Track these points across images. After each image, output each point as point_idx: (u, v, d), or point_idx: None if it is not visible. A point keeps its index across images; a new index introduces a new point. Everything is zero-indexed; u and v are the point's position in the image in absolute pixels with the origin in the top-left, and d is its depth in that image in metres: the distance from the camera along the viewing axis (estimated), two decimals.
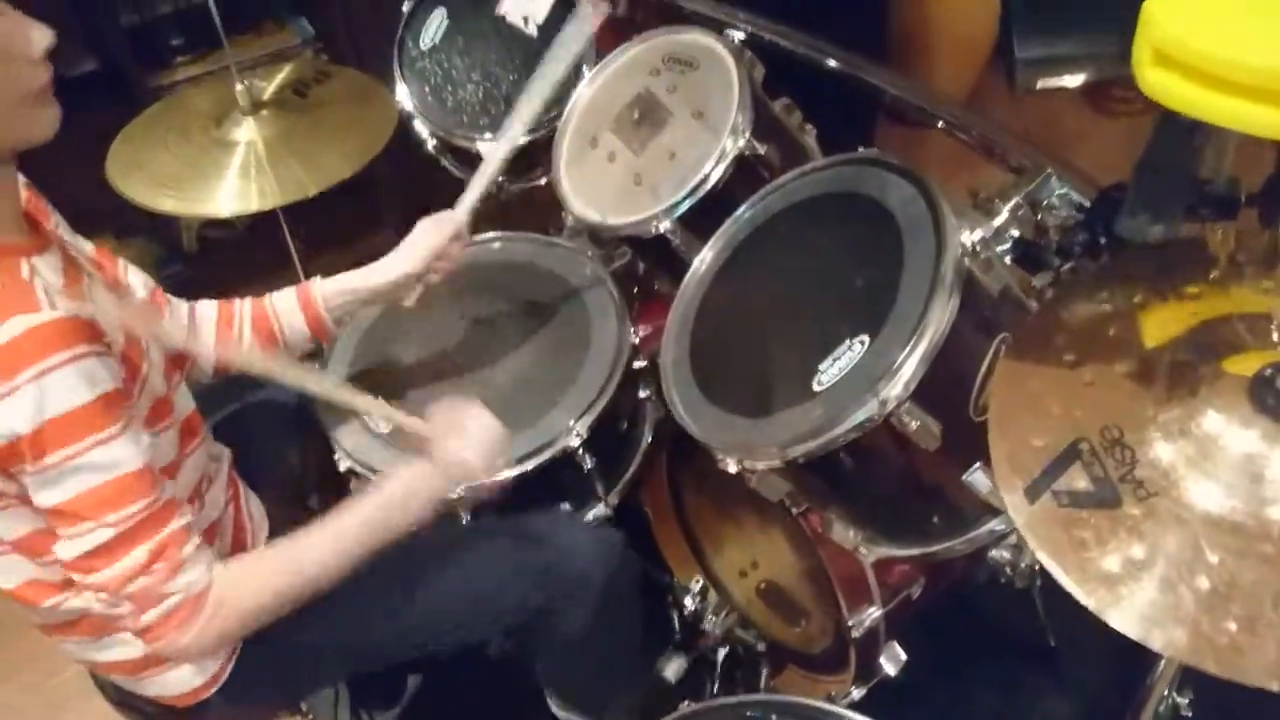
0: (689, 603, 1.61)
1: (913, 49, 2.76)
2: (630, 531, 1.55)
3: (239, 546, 1.21)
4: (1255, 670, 0.63)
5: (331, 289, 1.33)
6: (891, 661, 1.44)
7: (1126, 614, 0.68)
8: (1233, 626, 0.65)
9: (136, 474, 0.94)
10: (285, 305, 1.32)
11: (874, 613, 1.41)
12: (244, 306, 1.31)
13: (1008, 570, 1.35)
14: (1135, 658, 1.22)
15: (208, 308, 1.30)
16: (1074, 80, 0.98)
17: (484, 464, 1.15)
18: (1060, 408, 0.79)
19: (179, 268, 2.55)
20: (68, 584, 1.04)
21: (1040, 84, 1.00)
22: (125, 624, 1.00)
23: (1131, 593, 0.69)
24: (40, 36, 0.94)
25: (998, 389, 0.85)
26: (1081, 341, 0.84)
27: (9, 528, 0.99)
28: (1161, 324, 0.82)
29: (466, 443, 1.14)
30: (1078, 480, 0.74)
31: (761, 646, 1.61)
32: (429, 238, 1.35)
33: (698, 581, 1.64)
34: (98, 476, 0.92)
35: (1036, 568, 1.30)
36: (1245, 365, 0.76)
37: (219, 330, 1.28)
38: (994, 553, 1.34)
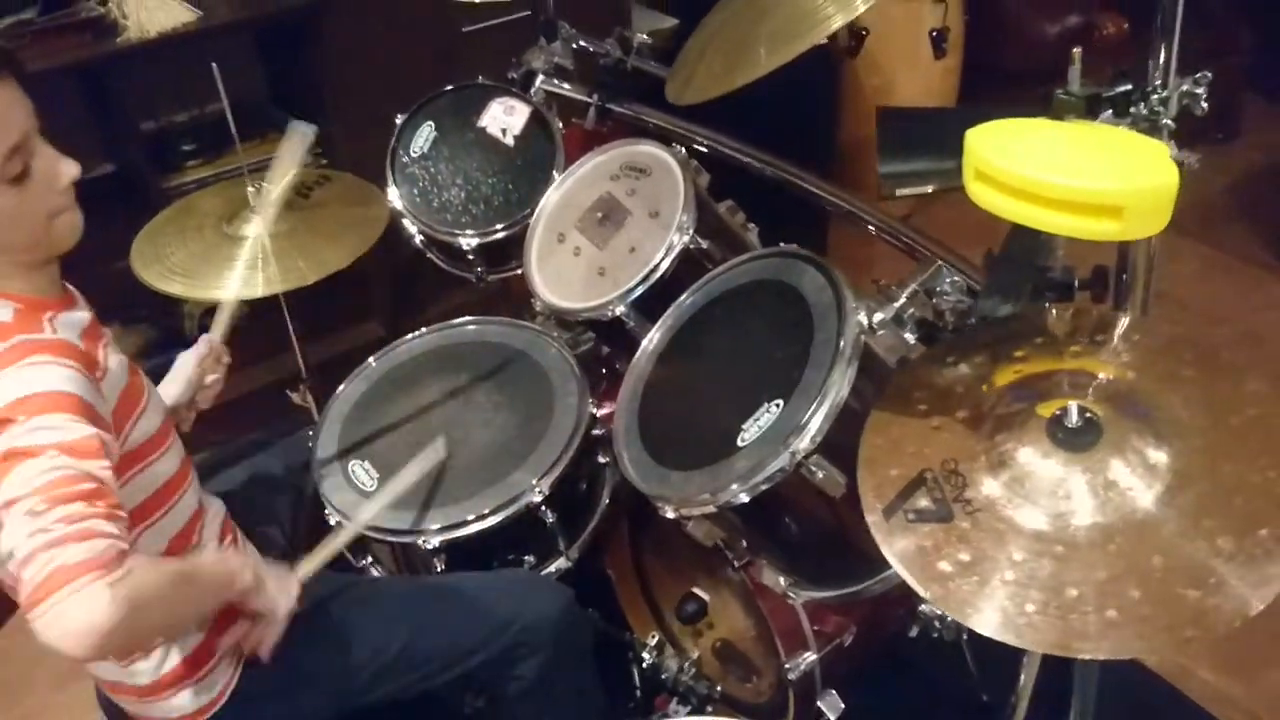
0: (646, 656, 1.76)
1: (859, 155, 3.04)
2: (595, 594, 1.71)
3: None
4: (1044, 643, 0.82)
5: None
6: (831, 710, 1.58)
7: (953, 602, 0.87)
8: (1031, 608, 0.84)
9: (90, 439, 0.99)
10: None
11: (809, 657, 1.55)
12: None
13: (936, 624, 1.51)
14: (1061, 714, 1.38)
15: None
16: (926, 189, 1.21)
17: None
18: (913, 447, 0.99)
19: (180, 352, 2.72)
20: None
21: (899, 192, 1.23)
22: (50, 562, 0.93)
23: (959, 587, 0.87)
24: (68, 168, 1.12)
25: (867, 436, 1.04)
26: (933, 396, 1.04)
27: None
28: (994, 379, 1.02)
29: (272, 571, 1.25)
30: (922, 501, 0.93)
31: (716, 693, 1.75)
32: (185, 370, 1.49)
33: (654, 637, 1.78)
34: (58, 435, 0.98)
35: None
36: (1051, 410, 0.96)
37: None
38: (924, 607, 1.51)
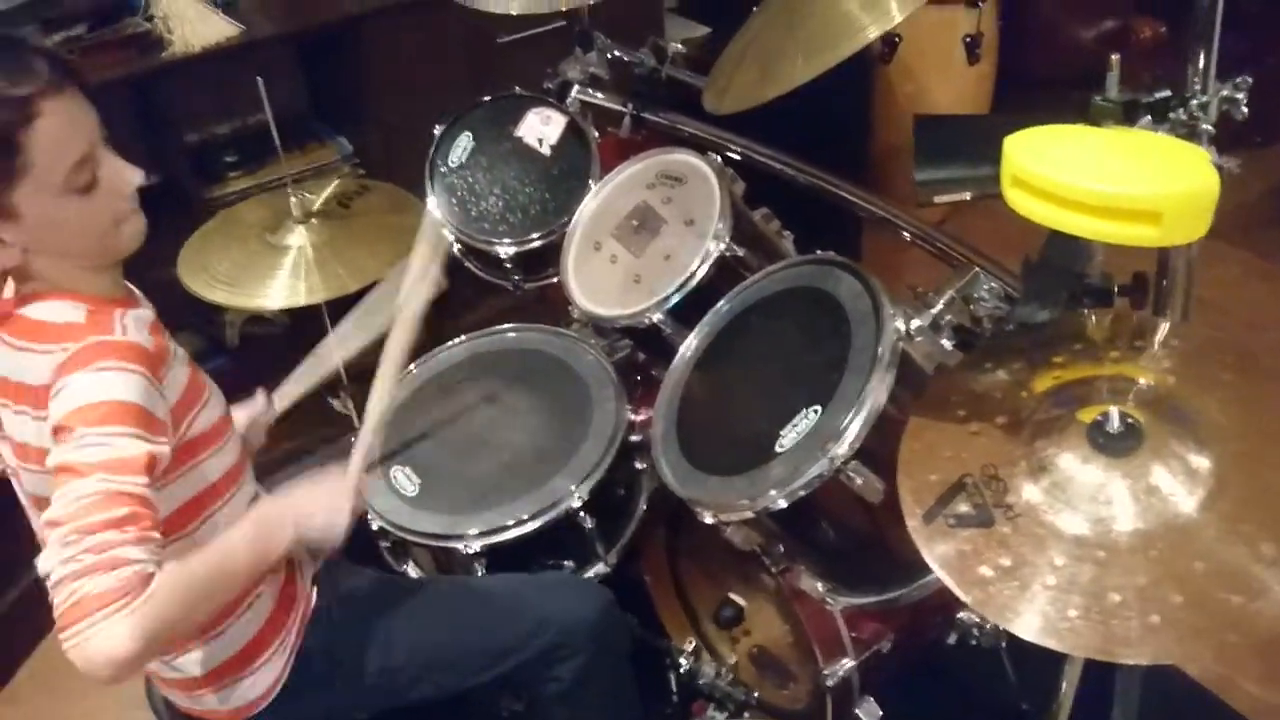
0: (683, 662, 1.77)
1: (892, 162, 3.04)
2: (631, 599, 1.72)
3: (290, 577, 1.37)
4: (1086, 648, 0.83)
5: None
6: (868, 716, 1.57)
7: (994, 607, 0.87)
8: (1073, 613, 0.85)
9: (138, 458, 1.04)
10: None
11: (847, 663, 1.55)
12: None
13: (975, 631, 1.51)
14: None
15: None
16: (963, 196, 1.22)
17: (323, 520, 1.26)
18: (951, 451, 0.99)
19: (222, 361, 2.76)
20: None
21: (936, 199, 1.24)
22: (76, 592, 0.98)
23: (1000, 592, 0.88)
24: (133, 176, 1.16)
25: (905, 441, 1.05)
26: (971, 401, 1.05)
27: None
28: (1033, 385, 1.03)
29: (316, 499, 1.27)
30: (962, 506, 0.94)
31: (753, 699, 1.75)
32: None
33: (691, 643, 1.79)
34: (106, 451, 1.03)
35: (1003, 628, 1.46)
36: (1092, 415, 0.97)
37: None
38: (962, 614, 1.50)
